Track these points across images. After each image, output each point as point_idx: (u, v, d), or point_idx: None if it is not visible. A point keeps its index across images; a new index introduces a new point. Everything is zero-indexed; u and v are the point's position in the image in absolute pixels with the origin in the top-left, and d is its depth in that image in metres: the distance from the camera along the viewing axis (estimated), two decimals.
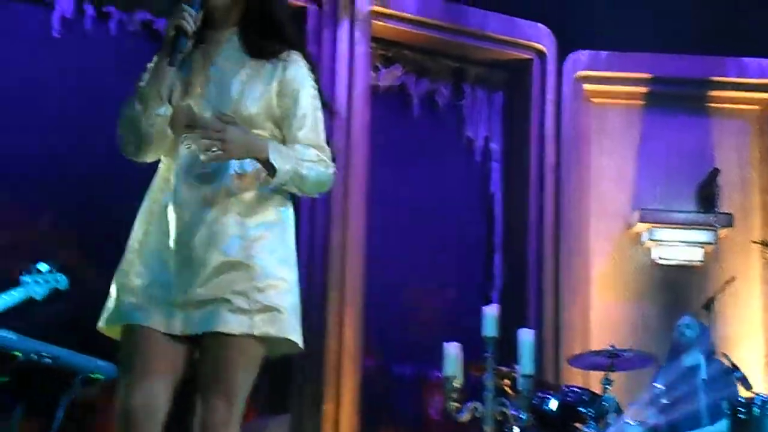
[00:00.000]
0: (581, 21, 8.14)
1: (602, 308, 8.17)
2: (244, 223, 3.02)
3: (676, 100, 8.47)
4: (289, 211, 3.13)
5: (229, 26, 3.15)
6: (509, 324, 6.39)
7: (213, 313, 2.97)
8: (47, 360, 4.82)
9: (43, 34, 6.68)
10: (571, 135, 8.26)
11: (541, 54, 8.28)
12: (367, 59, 7.56)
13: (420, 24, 7.90)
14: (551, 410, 6.25)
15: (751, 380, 6.37)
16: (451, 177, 8.14)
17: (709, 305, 6.83)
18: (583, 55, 8.41)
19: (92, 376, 4.91)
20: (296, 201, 3.19)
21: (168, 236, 3.04)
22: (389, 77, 7.97)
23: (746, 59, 8.44)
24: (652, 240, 8.31)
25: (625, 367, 6.52)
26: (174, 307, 3.00)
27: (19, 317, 4.91)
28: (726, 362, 6.43)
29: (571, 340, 7.88)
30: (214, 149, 2.94)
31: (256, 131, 3.05)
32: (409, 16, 7.83)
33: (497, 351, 6.06)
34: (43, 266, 4.98)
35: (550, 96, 8.24)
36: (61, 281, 5.01)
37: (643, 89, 8.48)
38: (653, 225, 8.31)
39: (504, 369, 6.13)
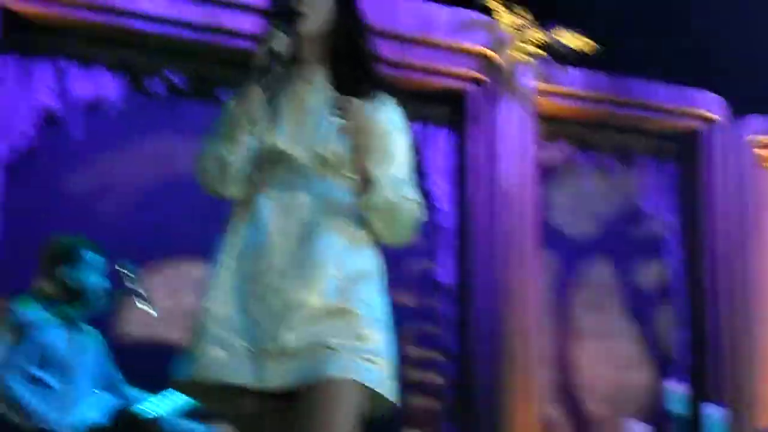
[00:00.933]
0: (751, 85, 7.95)
1: None
2: (342, 266, 2.83)
3: None
4: (382, 263, 2.94)
5: (317, 62, 3.03)
6: (694, 399, 6.18)
7: (313, 361, 2.73)
8: None
9: None
10: (747, 202, 8.04)
11: (711, 121, 8.12)
12: (533, 136, 7.51)
13: (585, 99, 7.83)
14: None
15: None
16: (625, 249, 8.00)
17: None
18: (756, 120, 8.22)
19: None
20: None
21: (255, 277, 2.84)
22: (556, 153, 7.90)
23: None
24: None
25: None
26: (264, 357, 2.76)
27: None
28: None
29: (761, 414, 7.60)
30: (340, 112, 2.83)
31: (346, 173, 2.90)
32: (573, 91, 7.77)
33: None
34: None
35: (723, 163, 8.05)
36: None
37: None
38: None
39: None
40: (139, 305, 5.10)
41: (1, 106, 6.28)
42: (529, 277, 7.29)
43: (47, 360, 4.76)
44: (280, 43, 2.90)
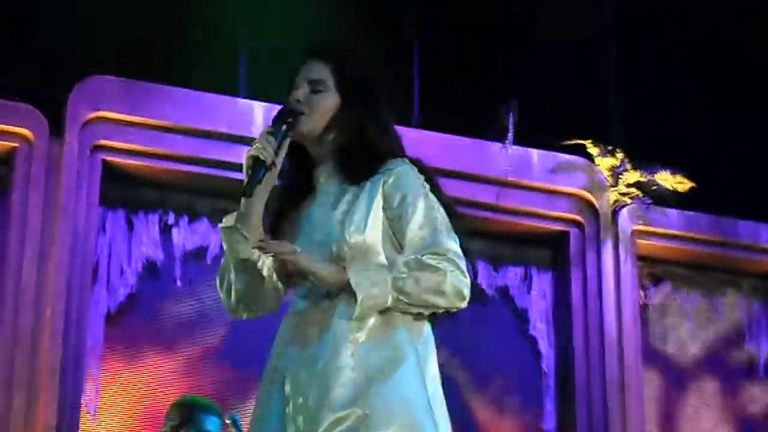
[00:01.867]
0: None
1: None
2: (361, 364, 2.71)
3: None
4: (417, 348, 2.79)
5: (327, 157, 2.95)
6: None
7: None
8: None
9: None
10: None
11: None
12: (634, 279, 7.40)
13: (687, 240, 7.71)
14: None
15: None
16: (732, 393, 7.77)
17: None
18: None
19: None
20: None
21: (286, 402, 2.78)
22: (659, 295, 7.76)
23: None
24: None
25: None
26: None
27: None
28: None
29: None
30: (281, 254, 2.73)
31: (376, 260, 2.79)
32: (674, 232, 7.67)
33: None
34: None
35: None
36: None
37: None
38: None
39: None
40: None
41: (103, 256, 6.36)
42: (633, 423, 7.10)
43: None
44: (269, 147, 2.82)
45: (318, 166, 2.98)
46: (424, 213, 2.82)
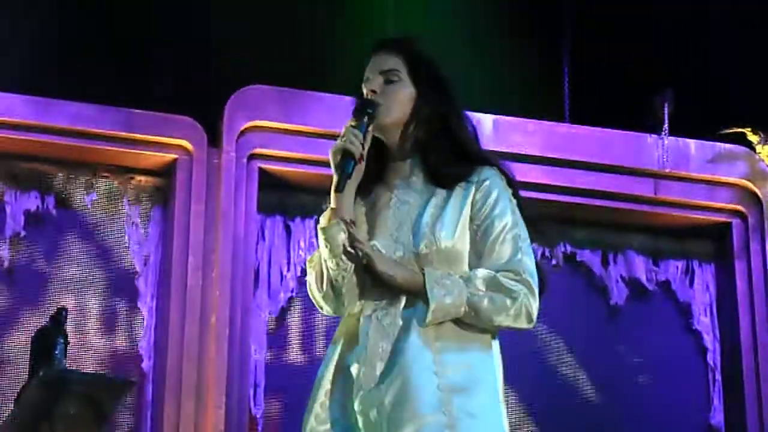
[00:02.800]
0: None
1: None
2: (441, 375, 2.69)
3: None
4: (493, 361, 2.78)
5: (408, 152, 2.91)
6: None
7: None
8: None
9: None
10: None
11: None
12: None
13: None
14: None
15: None
16: None
17: None
18: None
19: None
20: None
21: (353, 400, 2.74)
22: None
23: None
24: None
25: None
26: None
27: None
28: None
29: None
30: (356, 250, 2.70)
31: (457, 268, 2.77)
32: None
33: None
34: None
35: None
36: None
37: None
38: None
39: None
40: None
41: (263, 262, 6.46)
42: None
43: None
44: (355, 140, 2.80)
45: (395, 160, 2.94)
46: (508, 228, 2.82)
